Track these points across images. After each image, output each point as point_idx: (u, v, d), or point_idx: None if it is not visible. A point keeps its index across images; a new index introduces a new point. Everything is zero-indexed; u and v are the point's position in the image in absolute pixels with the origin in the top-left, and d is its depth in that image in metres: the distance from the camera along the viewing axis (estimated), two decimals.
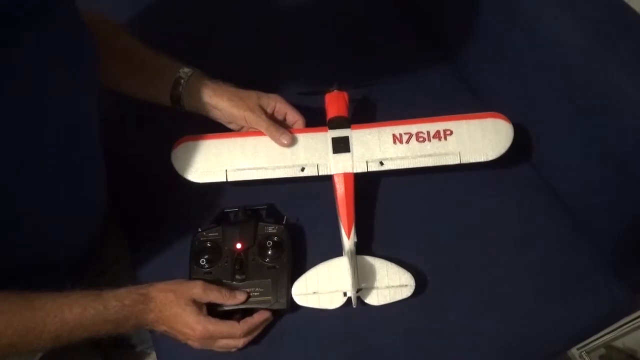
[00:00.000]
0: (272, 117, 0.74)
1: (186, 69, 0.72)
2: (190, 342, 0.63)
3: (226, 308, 0.65)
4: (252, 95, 0.73)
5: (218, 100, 0.72)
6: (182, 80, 0.71)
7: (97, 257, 0.80)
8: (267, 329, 0.68)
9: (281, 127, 0.73)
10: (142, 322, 0.60)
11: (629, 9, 0.68)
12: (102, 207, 0.72)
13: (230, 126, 0.75)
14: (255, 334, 0.65)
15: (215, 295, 0.63)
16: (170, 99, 0.72)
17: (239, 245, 0.69)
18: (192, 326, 0.61)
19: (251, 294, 0.66)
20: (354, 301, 0.64)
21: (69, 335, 0.56)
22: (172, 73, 0.72)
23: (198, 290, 0.62)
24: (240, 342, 0.64)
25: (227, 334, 0.63)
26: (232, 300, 0.65)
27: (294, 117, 0.74)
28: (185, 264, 0.68)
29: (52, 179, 0.57)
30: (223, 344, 0.63)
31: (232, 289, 0.66)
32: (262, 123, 0.72)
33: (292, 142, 0.73)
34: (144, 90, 0.74)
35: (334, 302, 0.65)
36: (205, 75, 0.74)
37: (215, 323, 0.62)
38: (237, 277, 0.67)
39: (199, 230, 0.71)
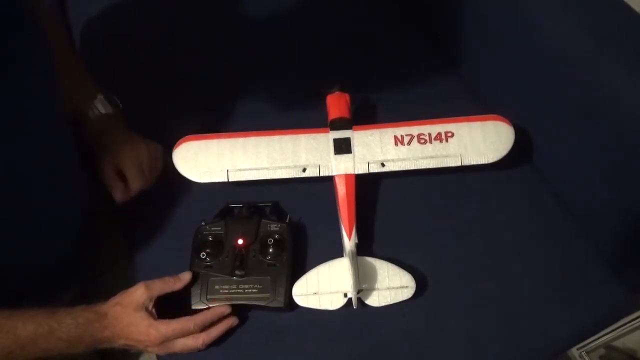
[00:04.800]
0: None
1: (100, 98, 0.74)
2: (150, 349, 0.63)
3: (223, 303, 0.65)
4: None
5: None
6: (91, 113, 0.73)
7: (96, 257, 0.80)
8: (267, 329, 0.68)
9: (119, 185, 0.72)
10: (98, 340, 0.59)
11: (629, 9, 0.68)
12: (80, 211, 0.71)
13: None
14: (216, 334, 0.64)
15: (159, 287, 0.63)
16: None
17: (240, 241, 0.69)
18: (145, 332, 0.60)
19: (250, 291, 0.66)
20: (354, 302, 0.64)
21: (22, 351, 0.55)
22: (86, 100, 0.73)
23: (140, 291, 0.62)
24: (200, 341, 0.63)
25: (182, 330, 0.62)
26: (178, 283, 0.65)
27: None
28: (185, 264, 0.69)
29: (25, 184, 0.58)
30: (181, 344, 0.62)
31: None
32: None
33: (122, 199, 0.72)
34: None
35: (334, 302, 0.65)
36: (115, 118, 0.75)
37: (167, 323, 0.61)
38: (237, 272, 0.67)
39: (203, 223, 0.71)
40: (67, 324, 0.57)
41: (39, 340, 0.56)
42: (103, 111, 0.73)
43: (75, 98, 0.73)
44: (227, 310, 0.66)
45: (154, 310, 0.62)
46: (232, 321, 0.66)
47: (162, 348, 0.62)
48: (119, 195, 0.72)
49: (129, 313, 0.60)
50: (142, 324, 0.60)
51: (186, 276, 0.66)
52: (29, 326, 0.55)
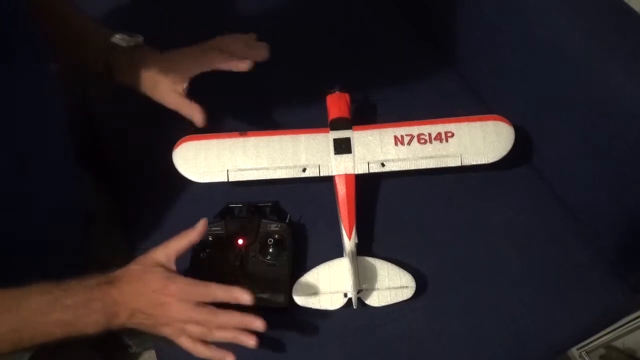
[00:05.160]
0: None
1: (119, 36, 0.70)
2: (163, 317, 0.55)
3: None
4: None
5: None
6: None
7: (96, 257, 0.80)
8: (267, 329, 0.68)
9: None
10: (107, 305, 0.53)
11: (629, 9, 0.68)
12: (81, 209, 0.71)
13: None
14: (225, 335, 0.56)
15: (175, 243, 0.58)
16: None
17: (240, 241, 0.69)
18: (163, 285, 0.54)
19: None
20: (354, 302, 0.64)
21: (26, 329, 0.51)
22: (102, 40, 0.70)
23: (158, 250, 0.57)
24: (204, 331, 0.55)
25: (202, 292, 0.55)
26: (193, 234, 0.59)
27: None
28: (185, 264, 0.69)
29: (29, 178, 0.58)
30: (196, 330, 0.55)
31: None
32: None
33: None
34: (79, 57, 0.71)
35: (334, 303, 0.65)
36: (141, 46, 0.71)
37: (189, 280, 0.56)
38: (237, 272, 0.67)
39: None
40: (74, 289, 0.53)
41: (44, 310, 0.51)
42: (124, 45, 0.70)
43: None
44: (259, 322, 0.56)
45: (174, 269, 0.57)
46: (251, 341, 0.56)
47: (177, 310, 0.54)
48: (199, 115, 0.68)
49: (147, 270, 0.55)
50: (160, 277, 0.55)
51: (200, 226, 0.59)
52: (33, 297, 0.51)
